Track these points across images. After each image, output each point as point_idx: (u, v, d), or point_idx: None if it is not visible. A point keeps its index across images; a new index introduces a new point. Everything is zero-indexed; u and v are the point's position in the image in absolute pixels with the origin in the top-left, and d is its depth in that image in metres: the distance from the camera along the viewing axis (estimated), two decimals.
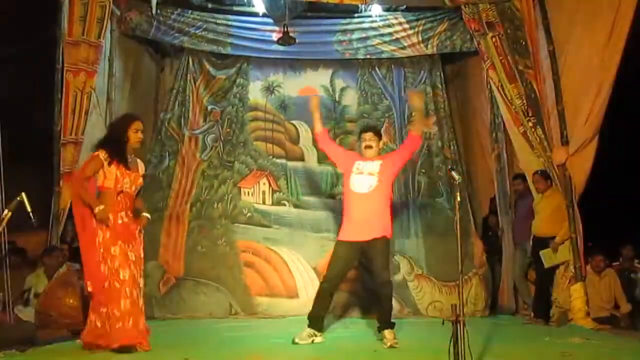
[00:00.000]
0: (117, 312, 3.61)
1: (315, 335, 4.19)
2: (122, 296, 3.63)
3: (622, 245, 6.24)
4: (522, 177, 5.86)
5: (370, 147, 4.29)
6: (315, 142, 6.33)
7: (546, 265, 5.31)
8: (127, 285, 3.66)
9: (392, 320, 4.27)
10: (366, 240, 4.17)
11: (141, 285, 3.82)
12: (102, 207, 3.66)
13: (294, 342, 4.12)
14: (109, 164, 3.76)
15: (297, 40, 5.90)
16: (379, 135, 4.39)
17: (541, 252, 5.30)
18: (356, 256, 4.32)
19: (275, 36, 6.04)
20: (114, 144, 3.85)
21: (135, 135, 3.89)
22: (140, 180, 3.96)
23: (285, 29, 5.82)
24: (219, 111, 6.39)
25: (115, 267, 3.66)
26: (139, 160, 4.03)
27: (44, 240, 5.10)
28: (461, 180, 3.76)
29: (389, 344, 4.06)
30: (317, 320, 4.25)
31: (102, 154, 3.77)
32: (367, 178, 4.21)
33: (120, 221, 3.75)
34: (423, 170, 6.32)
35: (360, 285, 5.74)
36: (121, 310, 3.61)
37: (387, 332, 4.17)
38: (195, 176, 6.15)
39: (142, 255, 3.89)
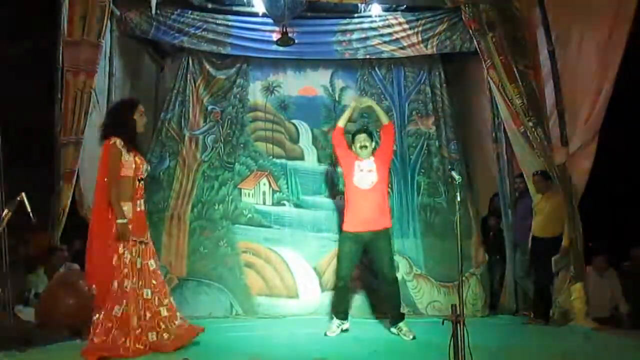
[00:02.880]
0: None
1: (343, 324, 4.64)
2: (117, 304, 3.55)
3: (632, 246, 6.20)
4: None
5: (365, 147, 4.71)
6: (315, 141, 6.37)
7: (555, 270, 5.32)
8: (125, 297, 3.57)
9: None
10: (370, 231, 4.57)
11: (148, 296, 3.67)
12: (125, 220, 3.53)
13: (326, 336, 4.50)
14: (128, 151, 3.61)
15: (296, 41, 5.89)
16: (371, 135, 4.80)
17: (553, 259, 5.31)
18: (361, 248, 4.70)
19: (275, 36, 6.03)
20: (127, 130, 3.65)
21: (141, 118, 3.79)
22: (148, 167, 3.90)
23: (284, 30, 5.81)
24: (219, 112, 6.38)
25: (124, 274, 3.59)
26: None
27: (44, 240, 5.10)
28: (461, 180, 3.78)
29: (411, 336, 4.39)
30: (342, 313, 4.69)
31: (118, 142, 3.59)
32: (368, 175, 4.64)
33: (138, 209, 3.68)
34: (422, 171, 6.31)
35: (360, 285, 5.75)
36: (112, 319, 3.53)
37: (403, 325, 4.52)
38: (196, 177, 6.14)
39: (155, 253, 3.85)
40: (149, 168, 3.92)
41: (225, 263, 5.85)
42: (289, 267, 5.93)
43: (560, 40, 5.36)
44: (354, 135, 4.91)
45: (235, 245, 5.93)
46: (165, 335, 3.67)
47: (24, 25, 5.63)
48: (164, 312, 3.74)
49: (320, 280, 5.87)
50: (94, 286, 3.73)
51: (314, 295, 5.85)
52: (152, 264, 3.79)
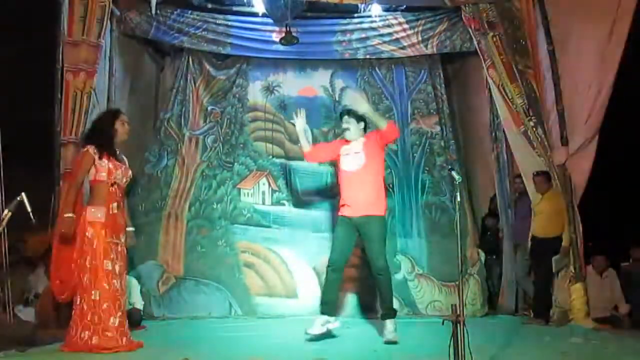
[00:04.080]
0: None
1: (329, 322, 4.28)
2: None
3: (632, 247, 6.20)
4: None
5: (347, 128, 4.52)
6: (315, 141, 6.34)
7: (555, 270, 5.32)
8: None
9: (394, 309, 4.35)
10: (362, 216, 4.31)
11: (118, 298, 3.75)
12: (72, 215, 3.69)
13: (307, 333, 4.19)
14: (100, 157, 3.78)
15: (299, 40, 5.89)
16: (354, 116, 4.52)
17: (553, 259, 5.30)
18: (353, 232, 4.42)
19: (275, 36, 6.03)
20: (103, 137, 3.86)
21: (122, 127, 3.94)
22: (130, 173, 4.01)
23: (288, 29, 5.81)
24: (219, 112, 6.39)
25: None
26: (123, 156, 4.06)
27: (44, 240, 5.10)
28: (461, 180, 3.76)
29: (389, 336, 4.12)
30: (329, 305, 4.33)
31: (91, 149, 3.78)
32: (354, 157, 4.44)
33: (111, 212, 3.79)
34: (427, 169, 6.31)
35: (360, 284, 5.75)
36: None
37: (388, 322, 4.23)
38: (195, 176, 6.15)
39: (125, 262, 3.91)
40: (130, 174, 4.01)
41: (224, 263, 5.86)
42: (288, 267, 5.93)
43: (560, 40, 5.36)
44: (339, 118, 4.74)
45: (234, 245, 5.94)
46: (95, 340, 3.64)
47: (24, 25, 5.62)
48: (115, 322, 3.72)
49: (319, 280, 5.85)
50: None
51: (313, 296, 5.83)
52: (120, 266, 3.82)
